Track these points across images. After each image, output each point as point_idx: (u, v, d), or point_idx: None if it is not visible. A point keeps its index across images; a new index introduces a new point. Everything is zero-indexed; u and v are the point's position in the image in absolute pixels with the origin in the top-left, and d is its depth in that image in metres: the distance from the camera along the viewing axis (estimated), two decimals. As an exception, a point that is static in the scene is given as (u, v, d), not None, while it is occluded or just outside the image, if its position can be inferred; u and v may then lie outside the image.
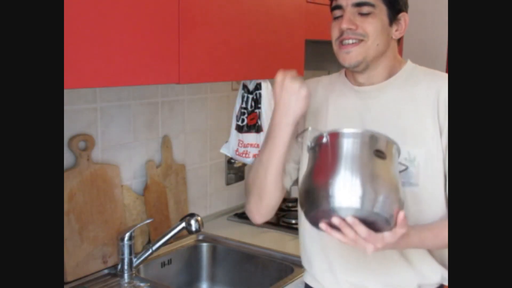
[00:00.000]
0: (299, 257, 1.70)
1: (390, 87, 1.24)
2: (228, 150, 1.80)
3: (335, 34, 1.21)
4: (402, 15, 1.23)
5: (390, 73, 1.25)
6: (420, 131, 1.18)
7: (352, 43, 1.19)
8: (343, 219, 0.97)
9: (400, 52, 2.53)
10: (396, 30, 1.22)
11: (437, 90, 1.19)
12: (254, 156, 1.71)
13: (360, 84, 1.26)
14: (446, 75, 1.23)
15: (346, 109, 1.27)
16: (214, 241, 1.88)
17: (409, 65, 1.27)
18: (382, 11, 1.19)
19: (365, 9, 1.18)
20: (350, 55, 1.20)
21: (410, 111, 1.20)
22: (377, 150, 1.00)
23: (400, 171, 1.06)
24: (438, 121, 1.17)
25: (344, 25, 1.18)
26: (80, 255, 1.52)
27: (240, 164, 2.21)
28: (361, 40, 1.18)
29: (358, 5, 1.18)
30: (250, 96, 1.71)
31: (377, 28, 1.19)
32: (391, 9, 1.20)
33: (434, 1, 2.52)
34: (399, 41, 1.27)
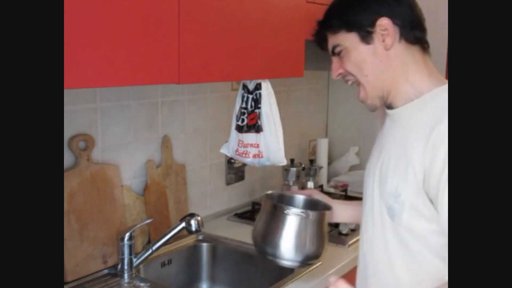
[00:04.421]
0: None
1: (408, 110, 1.14)
2: (228, 150, 1.80)
3: None
4: (378, 24, 1.11)
5: (416, 89, 1.13)
6: (411, 167, 1.07)
7: (353, 83, 1.19)
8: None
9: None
10: (383, 41, 1.12)
11: (434, 123, 1.06)
12: (254, 156, 1.71)
13: (389, 106, 1.20)
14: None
15: (381, 132, 1.23)
16: (214, 241, 1.88)
17: (441, 89, 1.12)
18: (351, 41, 1.13)
19: (337, 50, 1.17)
20: (367, 104, 1.20)
21: (413, 143, 1.08)
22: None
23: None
24: (426, 166, 1.05)
25: (334, 76, 1.20)
26: (80, 255, 1.52)
27: (240, 164, 2.21)
28: (358, 83, 1.17)
29: (333, 51, 1.18)
30: (250, 96, 1.71)
31: (355, 61, 1.14)
32: (360, 30, 1.12)
33: (434, 4, 2.51)
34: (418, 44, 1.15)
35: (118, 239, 1.57)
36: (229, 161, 2.16)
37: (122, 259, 1.57)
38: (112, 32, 1.15)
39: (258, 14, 1.55)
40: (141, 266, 1.63)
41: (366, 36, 1.12)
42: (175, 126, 1.91)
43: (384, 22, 1.11)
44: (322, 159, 2.64)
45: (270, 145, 1.68)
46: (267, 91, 1.68)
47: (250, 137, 1.71)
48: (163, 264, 1.74)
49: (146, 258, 1.61)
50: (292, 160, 2.32)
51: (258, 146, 1.70)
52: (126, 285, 1.54)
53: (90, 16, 1.09)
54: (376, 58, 1.13)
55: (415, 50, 1.15)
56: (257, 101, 1.69)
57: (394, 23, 1.12)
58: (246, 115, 1.72)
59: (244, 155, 1.73)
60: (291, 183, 2.32)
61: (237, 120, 1.74)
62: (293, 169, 2.32)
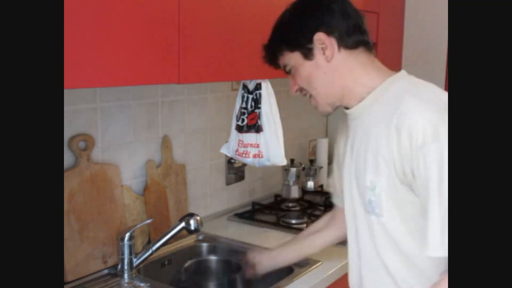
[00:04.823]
0: (299, 257, 1.70)
1: (364, 106, 1.18)
2: (228, 150, 1.80)
3: None
4: (315, 39, 1.15)
5: (367, 87, 1.18)
6: (383, 158, 1.11)
7: (310, 97, 1.23)
8: None
9: (400, 56, 2.53)
10: (323, 54, 1.16)
11: (392, 111, 1.09)
12: (254, 156, 1.71)
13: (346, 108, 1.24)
14: (413, 104, 1.08)
15: (347, 135, 1.27)
16: (214, 241, 1.88)
17: (390, 80, 1.17)
18: (296, 58, 1.19)
19: (287, 69, 1.23)
20: (319, 111, 1.25)
21: (377, 135, 1.12)
22: None
23: None
24: (393, 152, 1.08)
25: (292, 92, 1.25)
26: (80, 255, 1.52)
27: (240, 164, 2.21)
28: (311, 95, 1.22)
29: (285, 70, 1.24)
30: (250, 96, 1.71)
31: (303, 77, 1.20)
32: (301, 47, 1.17)
33: (434, 4, 2.52)
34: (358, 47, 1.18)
35: (118, 239, 1.57)
36: (229, 161, 2.16)
37: (122, 259, 1.57)
38: (112, 32, 1.15)
39: (258, 14, 1.55)
40: (141, 266, 1.63)
41: (307, 52, 1.17)
42: (175, 126, 1.91)
43: (320, 37, 1.16)
44: (322, 159, 2.64)
45: (270, 145, 1.68)
46: (267, 91, 1.68)
47: (250, 137, 1.71)
48: (163, 264, 1.74)
49: (146, 258, 1.61)
50: (292, 160, 2.32)
51: (258, 146, 1.70)
52: (126, 285, 1.54)
53: (90, 16, 1.10)
54: (321, 71, 1.18)
55: (358, 53, 1.19)
56: (257, 101, 1.69)
57: (330, 35, 1.16)
58: (246, 115, 1.72)
59: (244, 155, 1.73)
60: (291, 183, 2.32)
61: (237, 120, 1.74)
62: (293, 169, 2.32)
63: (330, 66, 1.17)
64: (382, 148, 1.10)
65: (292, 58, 1.20)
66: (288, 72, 1.24)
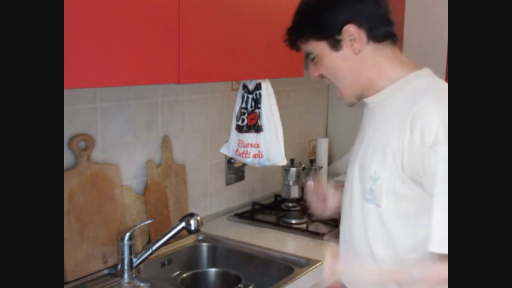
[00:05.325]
0: (299, 257, 1.70)
1: (383, 97, 1.19)
2: (228, 150, 1.80)
3: None
4: (344, 32, 1.14)
5: (389, 79, 1.18)
6: (391, 151, 1.11)
7: (331, 83, 1.23)
8: None
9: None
10: (351, 46, 1.15)
11: (409, 106, 1.10)
12: (254, 156, 1.71)
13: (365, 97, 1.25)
14: (432, 104, 1.08)
15: (362, 123, 1.27)
16: (214, 241, 1.88)
17: (413, 75, 1.17)
18: (322, 48, 1.17)
19: (311, 57, 1.21)
20: (344, 101, 1.24)
21: (390, 127, 1.13)
22: None
23: None
24: (403, 147, 1.09)
25: (312, 77, 1.24)
26: (80, 255, 1.52)
27: (240, 164, 2.21)
28: (331, 82, 1.22)
29: (307, 56, 1.22)
30: (250, 96, 1.71)
31: (328, 67, 1.19)
32: (328, 38, 1.15)
33: (434, 4, 2.52)
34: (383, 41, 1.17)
35: (118, 239, 1.57)
36: (229, 161, 2.16)
37: (122, 259, 1.57)
38: (112, 32, 1.15)
39: (258, 14, 1.55)
40: (141, 266, 1.63)
41: (335, 44, 1.16)
42: (175, 126, 1.91)
43: (349, 29, 1.14)
44: (322, 159, 2.64)
45: (270, 145, 1.69)
46: (267, 91, 1.69)
47: (250, 137, 1.71)
48: (163, 264, 1.74)
49: (146, 258, 1.61)
50: (292, 160, 2.32)
51: (258, 146, 1.70)
52: (126, 285, 1.54)
53: (90, 16, 1.09)
54: (347, 63, 1.17)
55: (384, 47, 1.18)
56: (257, 101, 1.69)
57: (360, 27, 1.14)
58: (246, 115, 1.72)
59: (244, 155, 1.73)
60: (291, 183, 2.32)
61: (237, 120, 1.74)
62: (293, 169, 2.32)
63: (357, 59, 1.16)
64: (393, 141, 1.11)
65: (318, 47, 1.18)
66: (312, 60, 1.22)
